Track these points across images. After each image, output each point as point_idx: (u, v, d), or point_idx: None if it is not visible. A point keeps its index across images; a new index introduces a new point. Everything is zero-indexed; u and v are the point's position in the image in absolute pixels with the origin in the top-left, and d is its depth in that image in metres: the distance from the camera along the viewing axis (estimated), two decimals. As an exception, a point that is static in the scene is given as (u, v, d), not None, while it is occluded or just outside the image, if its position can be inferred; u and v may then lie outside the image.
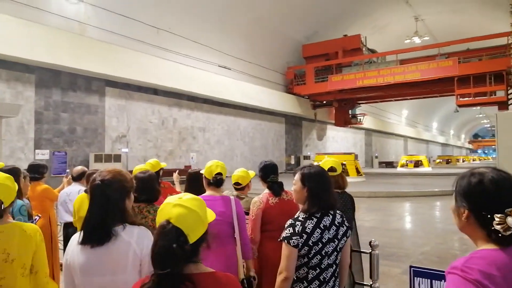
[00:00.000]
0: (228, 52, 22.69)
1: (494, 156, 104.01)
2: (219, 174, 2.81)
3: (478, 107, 42.01)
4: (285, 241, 2.04)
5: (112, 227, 1.65)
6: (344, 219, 2.19)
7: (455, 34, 25.95)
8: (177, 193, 5.02)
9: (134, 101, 17.73)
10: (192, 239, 1.24)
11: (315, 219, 2.06)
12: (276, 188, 2.95)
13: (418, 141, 59.51)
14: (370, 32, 29.48)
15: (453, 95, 24.22)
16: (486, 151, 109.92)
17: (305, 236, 2.02)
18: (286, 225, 2.10)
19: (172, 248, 1.21)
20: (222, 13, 21.36)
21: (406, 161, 34.59)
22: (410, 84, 24.89)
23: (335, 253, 2.11)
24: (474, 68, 22.17)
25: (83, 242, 1.65)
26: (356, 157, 21.68)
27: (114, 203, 1.70)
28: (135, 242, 1.67)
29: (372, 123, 39.36)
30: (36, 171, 4.29)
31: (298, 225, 2.05)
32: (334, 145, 35.77)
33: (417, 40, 29.59)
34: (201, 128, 21.60)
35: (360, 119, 33.66)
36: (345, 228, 2.15)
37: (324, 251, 2.05)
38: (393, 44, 29.16)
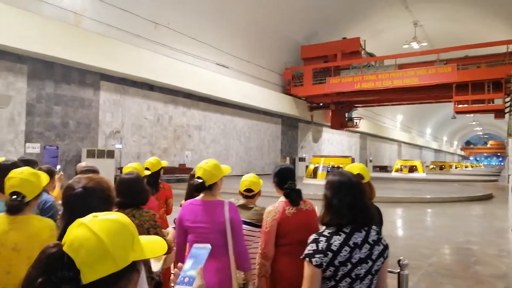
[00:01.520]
0: (226, 50, 22.36)
1: (485, 163, 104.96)
2: (199, 178, 2.46)
3: (472, 115, 42.18)
4: (307, 259, 1.74)
5: None
6: (381, 236, 1.87)
7: (453, 41, 25.90)
8: (167, 199, 4.37)
9: (129, 96, 17.33)
10: (87, 277, 0.84)
11: (343, 235, 1.75)
12: (294, 197, 2.62)
13: (411, 146, 59.67)
14: (369, 36, 29.33)
15: (451, 101, 24.19)
16: (478, 158, 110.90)
17: (330, 254, 1.71)
18: (309, 240, 1.81)
19: (47, 282, 0.82)
20: (221, 10, 21.04)
21: (401, 166, 34.50)
22: (408, 89, 24.80)
23: (369, 276, 1.78)
24: (472, 75, 22.11)
25: None
26: (353, 160, 21.48)
27: None
28: None
29: (367, 127, 39.29)
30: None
31: (322, 241, 1.75)
32: (329, 148, 35.60)
33: (415, 45, 29.53)
34: (196, 126, 21.25)
35: (356, 122, 33.53)
36: (381, 247, 1.82)
37: (354, 273, 1.74)
38: (391, 49, 29.06)
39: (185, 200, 3.43)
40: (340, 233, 1.76)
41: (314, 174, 20.91)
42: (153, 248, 0.97)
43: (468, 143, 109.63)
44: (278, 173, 2.74)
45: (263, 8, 22.95)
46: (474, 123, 69.57)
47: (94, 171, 3.46)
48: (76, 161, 14.46)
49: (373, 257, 1.79)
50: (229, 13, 21.58)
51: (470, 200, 15.27)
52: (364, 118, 36.34)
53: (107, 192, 1.46)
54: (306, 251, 1.77)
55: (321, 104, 30.01)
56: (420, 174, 32.29)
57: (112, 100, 16.60)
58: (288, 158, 28.92)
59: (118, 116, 16.89)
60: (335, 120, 31.24)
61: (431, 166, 49.40)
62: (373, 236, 1.82)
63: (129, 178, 2.59)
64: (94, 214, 0.93)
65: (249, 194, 3.05)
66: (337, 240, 1.74)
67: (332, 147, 36.30)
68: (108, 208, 1.42)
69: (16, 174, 2.02)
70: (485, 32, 27.94)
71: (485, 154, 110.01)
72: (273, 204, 2.65)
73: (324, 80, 26.58)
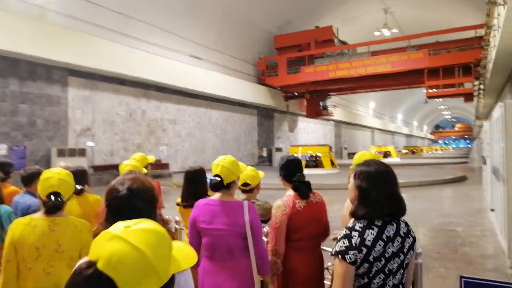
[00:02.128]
0: (199, 41, 21.90)
1: (454, 146, 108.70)
2: (217, 176, 2.28)
3: (441, 99, 43.33)
4: (339, 256, 1.61)
5: None
6: (410, 228, 1.79)
7: (423, 27, 26.31)
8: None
9: (100, 92, 16.69)
10: None
11: (376, 228, 1.65)
12: (303, 190, 2.47)
13: (384, 132, 60.90)
14: (341, 24, 29.45)
15: (423, 86, 24.64)
16: (446, 142, 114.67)
17: (364, 250, 1.60)
18: (339, 236, 1.68)
19: None
20: (193, 1, 20.50)
21: (375, 151, 35.05)
22: (381, 75, 25.05)
23: (401, 270, 1.70)
24: (443, 60, 22.54)
25: None
26: (330, 148, 21.62)
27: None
28: None
29: (342, 114, 39.71)
30: (1, 170, 3.60)
31: (355, 236, 1.63)
32: (305, 137, 35.77)
33: (386, 32, 29.81)
34: (171, 120, 20.78)
35: (330, 111, 33.79)
36: (411, 239, 1.76)
37: (387, 268, 1.64)
38: (363, 36, 29.29)
39: (182, 198, 3.22)
40: (373, 226, 1.65)
41: (292, 163, 20.88)
42: (185, 256, 0.87)
43: (437, 127, 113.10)
44: (285, 165, 2.61)
45: (234, -3, 22.57)
46: (442, 107, 71.74)
47: (83, 171, 3.20)
48: (45, 161, 13.85)
49: (405, 250, 1.71)
50: (201, 3, 21.07)
51: (445, 183, 15.63)
52: (338, 106, 36.67)
53: (151, 192, 1.38)
54: (337, 248, 1.63)
55: (296, 93, 29.98)
56: (394, 159, 32.95)
57: (81, 96, 15.93)
58: (265, 149, 28.86)
59: (89, 113, 16.25)
60: (310, 109, 31.35)
61: (404, 151, 50.59)
62: (403, 228, 1.74)
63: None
64: (124, 223, 0.82)
65: (246, 188, 2.93)
66: (370, 235, 1.62)
67: (308, 136, 36.50)
68: (153, 209, 1.36)
69: (54, 175, 2.07)
70: (454, 17, 28.55)
71: (453, 137, 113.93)
72: (282, 198, 2.52)
73: (299, 69, 26.52)
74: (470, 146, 78.73)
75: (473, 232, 7.01)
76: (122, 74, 16.79)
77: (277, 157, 28.28)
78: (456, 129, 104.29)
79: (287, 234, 2.39)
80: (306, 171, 2.60)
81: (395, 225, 1.70)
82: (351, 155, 42.65)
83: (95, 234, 2.20)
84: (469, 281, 2.03)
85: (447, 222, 7.89)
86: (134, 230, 0.79)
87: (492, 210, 8.27)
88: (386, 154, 34.23)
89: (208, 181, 3.25)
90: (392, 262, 1.65)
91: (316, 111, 31.89)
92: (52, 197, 2.00)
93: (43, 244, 1.95)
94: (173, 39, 20.08)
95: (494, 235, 6.56)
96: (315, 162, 20.05)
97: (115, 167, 16.22)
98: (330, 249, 2.95)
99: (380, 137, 59.04)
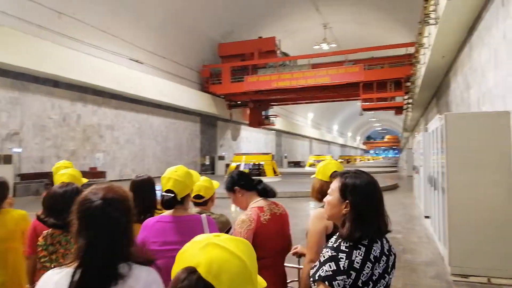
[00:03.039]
0: (141, 45, 21.18)
1: (383, 155, 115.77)
2: (169, 191, 2.01)
3: (373, 112, 46.01)
4: (326, 282, 1.43)
5: (118, 266, 1.18)
6: (391, 244, 1.66)
7: (359, 43, 27.80)
8: None
9: (30, 94, 15.43)
10: None
11: (363, 248, 1.48)
12: (269, 189, 2.38)
13: (321, 142, 63.18)
14: (283, 36, 30.16)
15: (358, 99, 25.95)
16: (377, 152, 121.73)
17: (353, 274, 1.44)
18: (322, 258, 1.49)
19: None
20: (135, 2, 19.81)
21: (314, 160, 36.16)
22: (321, 87, 26.04)
23: None
24: (377, 75, 23.97)
25: None
26: (273, 157, 21.90)
27: (122, 231, 1.23)
28: None
29: (282, 124, 40.54)
30: None
31: (342, 258, 1.45)
32: (247, 146, 35.94)
33: (325, 46, 31.04)
34: (109, 126, 19.76)
35: (272, 120, 34.35)
36: (393, 257, 1.62)
37: None
38: (304, 49, 30.22)
39: None
40: (359, 246, 1.49)
41: (235, 172, 20.82)
42: (261, 281, 0.84)
43: (368, 138, 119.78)
44: (240, 175, 2.45)
45: (179, 3, 22.17)
46: (374, 119, 76.16)
47: (3, 182, 2.80)
48: (-36, 169, 12.43)
49: (389, 270, 1.57)
50: (144, 5, 20.42)
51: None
52: (279, 116, 37.39)
53: (127, 202, 1.29)
54: (322, 273, 1.45)
55: (239, 102, 30.11)
56: (331, 168, 34.11)
57: (9, 98, 14.60)
58: (207, 157, 28.51)
59: (16, 116, 14.93)
60: (253, 118, 31.64)
61: (340, 160, 52.78)
62: (385, 245, 1.60)
63: (58, 193, 2.09)
64: (214, 233, 0.82)
65: (199, 201, 2.69)
66: (358, 256, 1.47)
67: (250, 144, 36.73)
68: (129, 221, 1.27)
69: None
70: (387, 35, 30.45)
71: (383, 147, 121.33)
72: (245, 212, 2.35)
73: (242, 78, 26.69)
74: (398, 156, 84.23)
75: (412, 239, 7.38)
76: (55, 75, 15.68)
77: (220, 166, 28.07)
78: (385, 140, 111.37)
79: None
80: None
81: (379, 242, 1.55)
82: (290, 163, 43.65)
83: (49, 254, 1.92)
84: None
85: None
86: (229, 238, 0.78)
87: (426, 217, 8.81)
88: (324, 163, 35.41)
89: (158, 193, 2.97)
90: (379, 285, 1.51)
91: (259, 121, 32.26)
92: None
93: None
94: (113, 40, 19.22)
95: (431, 242, 6.96)
96: (258, 171, 20.16)
97: (46, 175, 15.07)
98: (292, 265, 2.88)
99: (318, 147, 61.17)
